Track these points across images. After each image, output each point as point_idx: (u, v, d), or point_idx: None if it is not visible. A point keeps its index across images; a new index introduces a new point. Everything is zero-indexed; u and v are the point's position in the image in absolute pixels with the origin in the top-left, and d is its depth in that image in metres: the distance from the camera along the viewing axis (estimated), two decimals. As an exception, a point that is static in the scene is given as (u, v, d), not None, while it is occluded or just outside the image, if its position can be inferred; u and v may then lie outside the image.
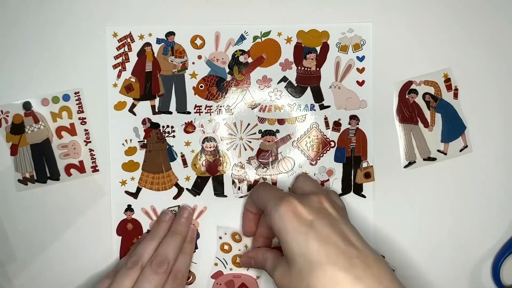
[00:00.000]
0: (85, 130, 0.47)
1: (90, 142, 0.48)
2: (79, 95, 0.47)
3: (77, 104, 0.47)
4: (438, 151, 0.48)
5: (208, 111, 0.48)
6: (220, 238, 0.48)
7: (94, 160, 0.48)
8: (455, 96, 0.48)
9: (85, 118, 0.47)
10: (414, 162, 0.48)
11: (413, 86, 0.48)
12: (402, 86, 0.48)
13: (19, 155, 0.47)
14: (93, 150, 0.48)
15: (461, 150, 0.48)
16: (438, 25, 0.48)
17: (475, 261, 0.49)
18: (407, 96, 0.48)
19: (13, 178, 0.48)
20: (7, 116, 0.47)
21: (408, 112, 0.48)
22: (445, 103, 0.48)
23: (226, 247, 0.48)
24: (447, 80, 0.48)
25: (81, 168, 0.48)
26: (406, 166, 0.48)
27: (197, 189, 0.48)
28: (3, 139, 0.47)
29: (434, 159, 0.48)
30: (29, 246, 0.48)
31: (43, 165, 0.47)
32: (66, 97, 0.47)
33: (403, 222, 0.48)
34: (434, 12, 0.48)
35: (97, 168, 0.48)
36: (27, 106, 0.47)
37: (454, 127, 0.48)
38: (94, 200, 0.48)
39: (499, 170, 0.49)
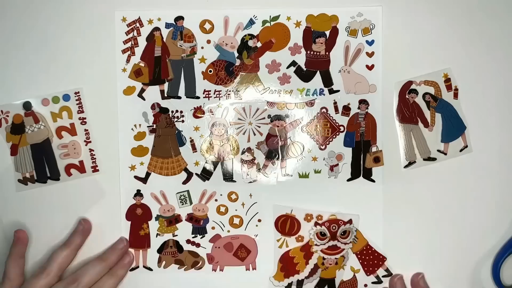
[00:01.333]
0: (85, 130, 0.48)
1: (90, 142, 0.48)
2: (79, 95, 0.47)
3: (77, 104, 0.47)
4: (438, 151, 0.48)
5: (217, 96, 0.48)
6: (216, 200, 0.48)
7: (94, 160, 0.48)
8: (455, 96, 0.48)
9: (85, 118, 0.47)
10: (414, 162, 0.48)
11: (413, 86, 0.48)
12: (402, 86, 0.48)
13: (19, 155, 0.47)
14: (93, 150, 0.48)
15: (461, 150, 0.48)
16: (438, 25, 0.48)
17: (475, 261, 0.49)
18: (407, 96, 0.48)
19: (13, 178, 0.48)
20: (7, 116, 0.47)
21: (408, 112, 0.48)
22: (445, 103, 0.48)
23: (222, 209, 0.48)
24: (447, 80, 0.48)
25: (81, 168, 0.48)
26: (406, 166, 0.48)
27: (206, 174, 0.48)
28: (3, 139, 0.47)
29: (434, 159, 0.48)
30: (28, 246, 0.48)
31: (43, 165, 0.48)
32: (66, 97, 0.47)
33: (406, 219, 0.48)
34: (434, 12, 0.47)
35: (97, 168, 0.48)
36: (27, 106, 0.47)
37: (454, 127, 0.48)
38: (93, 200, 0.48)
39: (499, 170, 0.48)
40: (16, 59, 0.47)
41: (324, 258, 0.48)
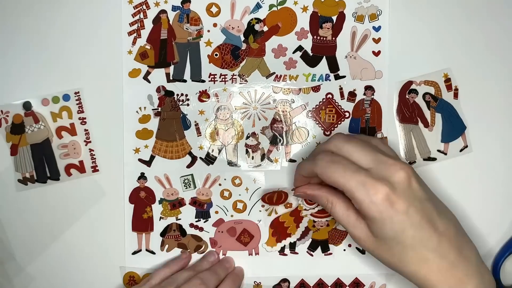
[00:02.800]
0: (85, 130, 0.47)
1: (90, 142, 0.47)
2: (79, 95, 0.47)
3: (77, 104, 0.47)
4: (438, 151, 0.48)
5: (223, 79, 0.48)
6: (220, 185, 0.48)
7: (94, 160, 0.48)
8: (455, 96, 0.48)
9: (85, 118, 0.47)
10: (414, 162, 0.48)
11: (413, 86, 0.48)
12: (402, 86, 0.48)
13: (19, 155, 0.47)
14: (93, 150, 0.48)
15: (461, 150, 0.48)
16: (438, 25, 0.47)
17: None
18: (407, 96, 0.48)
19: (13, 178, 0.47)
20: (7, 116, 0.47)
21: (408, 112, 0.48)
22: (445, 103, 0.48)
23: (226, 193, 0.48)
24: (447, 80, 0.48)
25: (81, 168, 0.48)
26: None
27: (210, 158, 0.48)
28: (3, 139, 0.47)
29: (434, 159, 0.48)
30: (28, 246, 0.48)
31: (43, 165, 0.47)
32: (66, 97, 0.47)
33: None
34: (434, 11, 0.47)
35: (97, 168, 0.48)
36: (27, 106, 0.47)
37: (454, 127, 0.48)
38: (93, 200, 0.48)
39: (499, 170, 0.48)
40: (16, 58, 0.47)
41: (314, 221, 0.48)
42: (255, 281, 0.49)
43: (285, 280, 0.49)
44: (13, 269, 0.48)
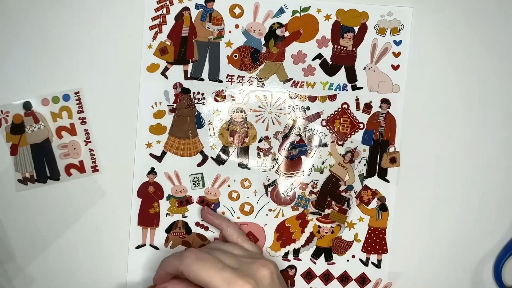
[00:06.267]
0: (85, 130, 0.47)
1: (90, 142, 0.47)
2: (79, 95, 0.47)
3: (77, 104, 0.47)
4: None
5: (240, 81, 0.48)
6: (229, 186, 0.48)
7: (94, 160, 0.48)
8: None
9: (85, 118, 0.47)
10: None
11: None
12: None
13: (19, 155, 0.47)
14: (93, 150, 0.48)
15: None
16: (460, 45, 0.48)
17: (476, 262, 0.49)
18: None
19: (13, 178, 0.47)
20: (7, 116, 0.47)
21: None
22: None
23: (234, 195, 0.48)
24: None
25: (81, 168, 0.48)
26: None
27: (221, 159, 0.48)
28: (3, 139, 0.47)
29: None
30: (28, 246, 0.48)
31: (43, 165, 0.47)
32: (66, 97, 0.47)
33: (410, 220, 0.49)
34: (458, 30, 0.48)
35: (97, 168, 0.48)
36: (27, 106, 0.47)
37: None
38: (94, 199, 0.48)
39: (499, 170, 0.48)
40: (16, 58, 0.47)
41: (319, 227, 0.49)
42: None
43: (292, 267, 0.49)
44: (13, 268, 0.48)
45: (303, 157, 0.48)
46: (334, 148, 0.48)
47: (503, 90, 0.48)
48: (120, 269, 0.49)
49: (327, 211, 0.48)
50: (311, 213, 0.48)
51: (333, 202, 0.48)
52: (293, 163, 0.48)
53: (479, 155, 0.48)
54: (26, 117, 0.47)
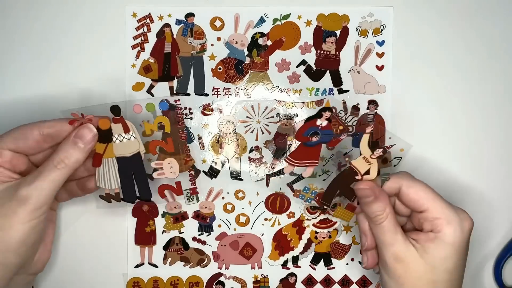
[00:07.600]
0: None
1: None
2: None
3: None
4: None
5: (226, 93, 0.48)
6: (223, 198, 0.48)
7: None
8: None
9: None
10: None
11: None
12: None
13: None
14: None
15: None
16: (442, 40, 0.48)
17: (476, 262, 0.49)
18: None
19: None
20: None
21: None
22: None
23: (229, 207, 0.48)
24: None
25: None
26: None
27: (213, 172, 0.48)
28: None
29: None
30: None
31: None
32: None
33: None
34: (438, 26, 0.48)
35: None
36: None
37: None
38: (94, 215, 0.48)
39: (499, 170, 0.48)
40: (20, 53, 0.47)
41: (316, 232, 0.48)
42: (262, 274, 0.49)
43: (292, 275, 0.49)
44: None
45: (323, 145, 0.46)
46: (365, 139, 0.43)
47: (488, 85, 0.48)
48: (121, 276, 0.49)
49: (322, 216, 0.48)
50: (307, 219, 0.48)
51: (341, 197, 0.45)
52: (309, 151, 0.45)
53: (474, 153, 0.48)
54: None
